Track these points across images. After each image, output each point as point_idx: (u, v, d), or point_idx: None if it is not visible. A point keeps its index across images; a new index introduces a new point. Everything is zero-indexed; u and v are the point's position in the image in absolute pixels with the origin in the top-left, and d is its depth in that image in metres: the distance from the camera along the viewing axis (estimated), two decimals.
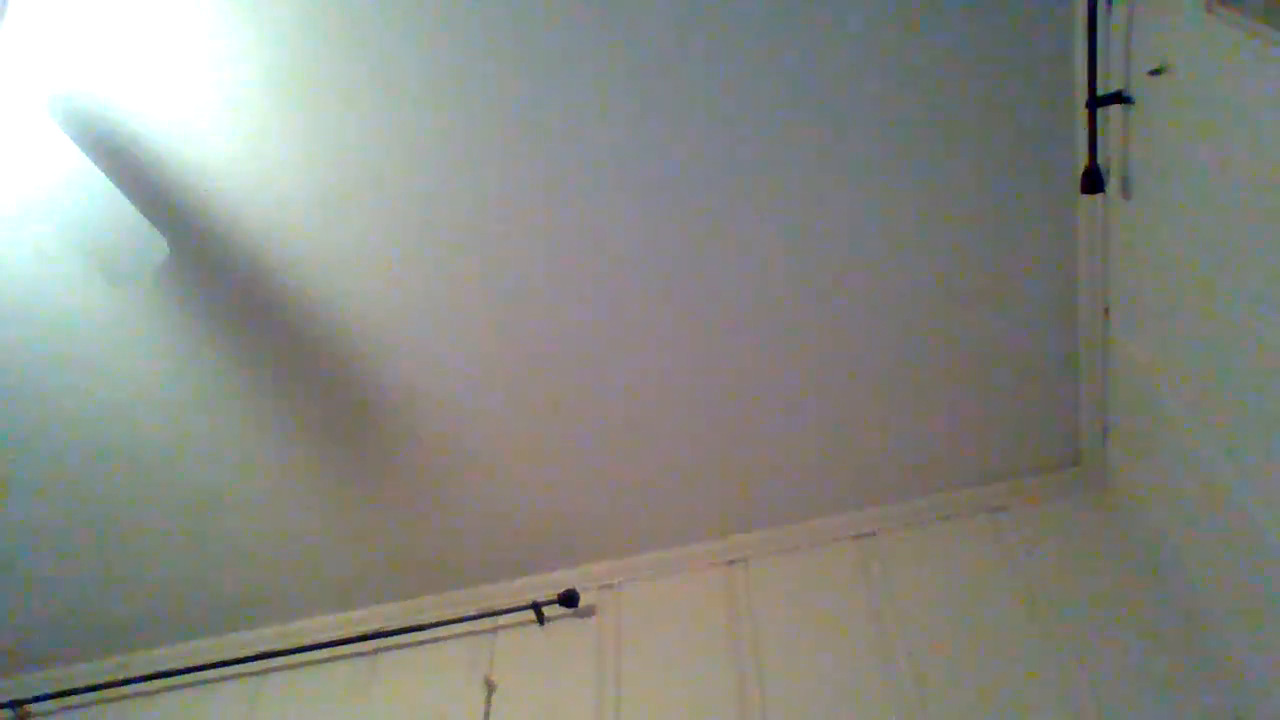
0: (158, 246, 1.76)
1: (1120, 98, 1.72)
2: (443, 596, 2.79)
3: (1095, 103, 1.72)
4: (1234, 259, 1.51)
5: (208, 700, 2.76)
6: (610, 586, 2.69)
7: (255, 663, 2.76)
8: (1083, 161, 1.85)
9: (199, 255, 2.04)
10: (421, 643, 2.71)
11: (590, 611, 2.65)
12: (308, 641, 2.74)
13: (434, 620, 2.69)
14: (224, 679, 2.79)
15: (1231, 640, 1.91)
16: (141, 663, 2.89)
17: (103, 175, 1.65)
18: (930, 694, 2.17)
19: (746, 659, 2.39)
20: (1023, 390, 2.33)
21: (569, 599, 2.60)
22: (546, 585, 2.72)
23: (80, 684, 2.85)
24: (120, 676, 2.81)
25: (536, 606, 2.61)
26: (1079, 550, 2.33)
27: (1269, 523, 1.63)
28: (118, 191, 1.67)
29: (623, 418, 2.37)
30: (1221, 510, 1.81)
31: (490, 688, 2.53)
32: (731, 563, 2.63)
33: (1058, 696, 2.08)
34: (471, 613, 2.67)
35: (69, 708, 2.86)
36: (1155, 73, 1.58)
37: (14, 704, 2.84)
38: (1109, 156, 1.87)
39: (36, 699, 2.82)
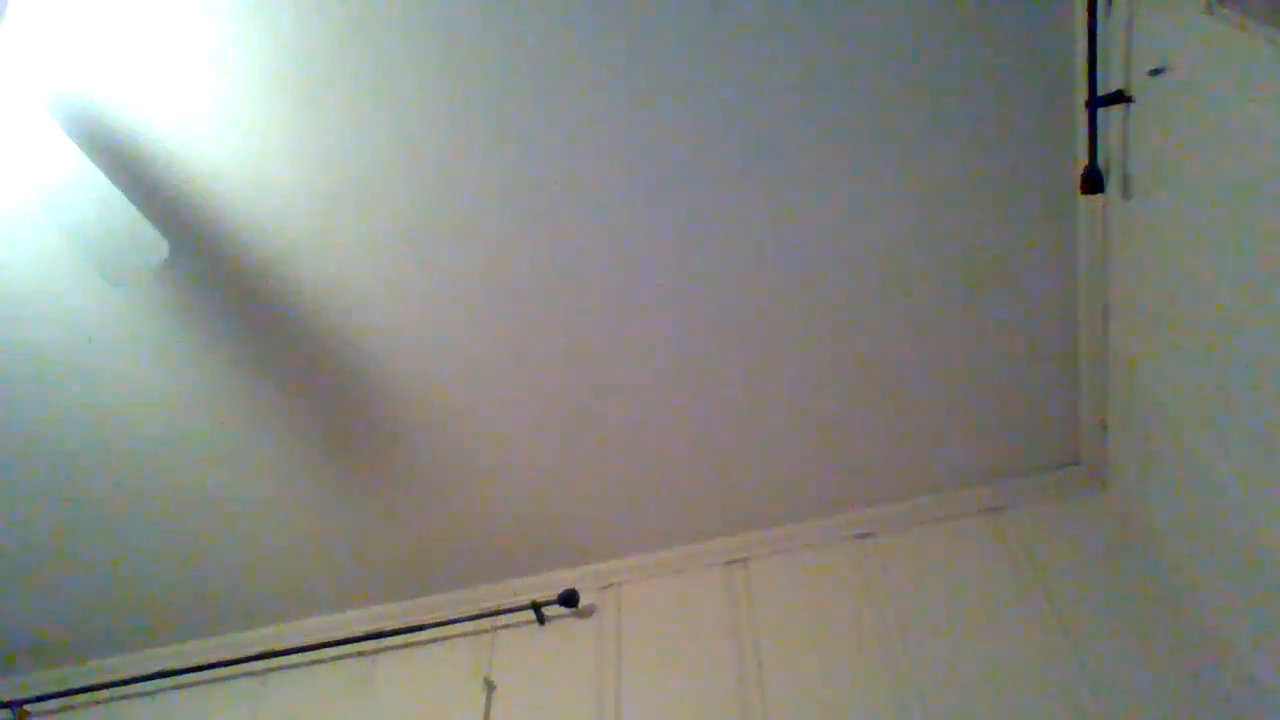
0: (158, 246, 1.76)
1: (1120, 98, 1.72)
2: (443, 596, 2.79)
3: (1095, 103, 1.72)
4: (1234, 259, 1.51)
5: (208, 700, 2.76)
6: (610, 586, 2.69)
7: (256, 662, 2.76)
8: (1083, 161, 1.85)
9: (199, 255, 2.04)
10: (421, 643, 2.71)
11: (590, 611, 2.65)
12: (308, 641, 2.75)
13: (434, 620, 2.69)
14: (224, 679, 2.79)
15: (1231, 639, 1.91)
16: (141, 663, 2.90)
17: (103, 175, 1.65)
18: (930, 693, 2.17)
19: (746, 659, 2.39)
20: (1023, 390, 2.33)
21: (569, 599, 2.60)
22: (546, 585, 2.73)
23: (80, 684, 2.85)
24: (120, 676, 2.81)
25: (536, 606, 2.61)
26: (1078, 550, 2.33)
27: (1268, 522, 1.63)
28: (118, 191, 1.67)
29: (623, 417, 2.37)
30: (1221, 510, 1.81)
31: (490, 687, 2.53)
32: (731, 563, 2.63)
33: (1057, 695, 2.08)
34: (471, 613, 2.67)
35: (69, 708, 2.86)
36: (1155, 73, 1.58)
37: (14, 704, 2.84)
38: (1109, 156, 1.87)
39: (36, 699, 2.82)
